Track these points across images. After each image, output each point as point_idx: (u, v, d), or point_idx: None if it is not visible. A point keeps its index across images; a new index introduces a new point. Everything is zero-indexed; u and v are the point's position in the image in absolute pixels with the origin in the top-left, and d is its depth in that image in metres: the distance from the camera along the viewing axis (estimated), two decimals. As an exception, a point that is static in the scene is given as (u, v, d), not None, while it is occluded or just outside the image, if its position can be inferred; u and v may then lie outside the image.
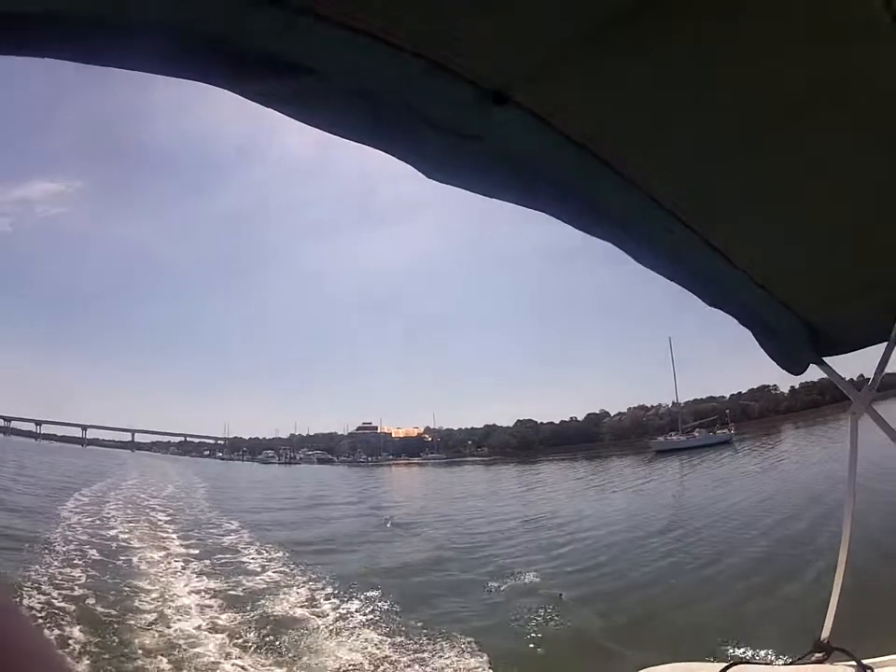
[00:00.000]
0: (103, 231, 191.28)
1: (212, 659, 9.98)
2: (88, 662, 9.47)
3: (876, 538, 14.46)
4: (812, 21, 1.33)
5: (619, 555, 19.66)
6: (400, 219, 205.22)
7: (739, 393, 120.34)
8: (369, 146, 1.47)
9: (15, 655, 0.47)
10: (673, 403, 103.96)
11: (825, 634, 3.33)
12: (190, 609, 12.63)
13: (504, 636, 12.03)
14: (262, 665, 9.92)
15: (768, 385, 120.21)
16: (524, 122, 1.54)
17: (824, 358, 3.35)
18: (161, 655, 9.87)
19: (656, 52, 1.39)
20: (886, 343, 3.06)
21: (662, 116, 1.62)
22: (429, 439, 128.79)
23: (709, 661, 3.82)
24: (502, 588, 15.86)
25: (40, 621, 10.78)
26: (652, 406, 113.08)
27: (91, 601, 12.42)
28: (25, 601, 11.81)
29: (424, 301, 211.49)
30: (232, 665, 9.88)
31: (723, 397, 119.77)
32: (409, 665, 10.09)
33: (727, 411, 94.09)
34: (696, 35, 1.34)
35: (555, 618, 12.98)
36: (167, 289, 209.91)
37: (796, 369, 3.28)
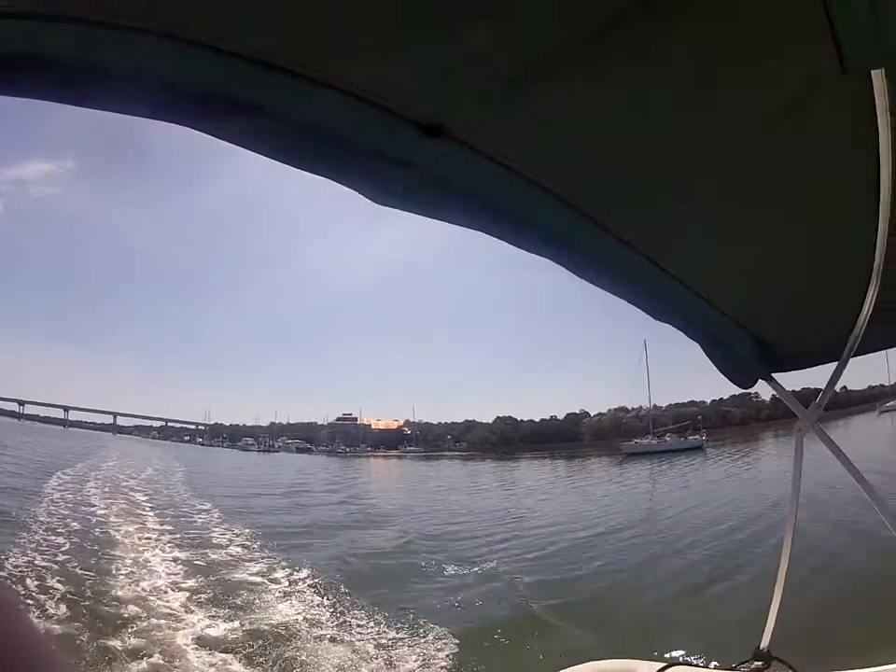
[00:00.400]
0: (95, 214, 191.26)
1: (174, 611, 11.48)
2: (65, 607, 10.90)
3: (827, 551, 15.32)
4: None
5: (564, 550, 20.75)
6: (394, 217, 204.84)
7: (721, 399, 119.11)
8: (316, 174, 1.55)
9: (12, 648, 0.48)
10: (654, 406, 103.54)
11: (765, 643, 3.36)
12: (160, 574, 14.08)
13: (457, 612, 13.34)
14: (216, 617, 11.44)
15: (749, 393, 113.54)
16: (459, 153, 1.59)
17: (774, 374, 3.36)
18: (132, 605, 11.39)
19: (591, 84, 1.43)
20: (836, 363, 3.08)
21: (596, 144, 1.66)
22: (408, 432, 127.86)
23: (647, 660, 3.85)
24: (462, 573, 17.15)
25: (26, 577, 12.27)
26: (633, 408, 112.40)
27: (72, 563, 13.83)
28: (12, 560, 13.29)
29: (412, 297, 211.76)
30: (192, 615, 11.42)
31: (704, 402, 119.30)
32: (370, 637, 11.28)
33: (699, 417, 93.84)
34: (632, 68, 1.38)
35: (504, 600, 14.31)
36: (156, 275, 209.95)
37: (745, 383, 3.27)
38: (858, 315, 2.70)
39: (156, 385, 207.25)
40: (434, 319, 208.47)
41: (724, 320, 2.85)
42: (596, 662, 3.54)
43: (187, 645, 10.09)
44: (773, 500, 24.60)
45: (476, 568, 17.58)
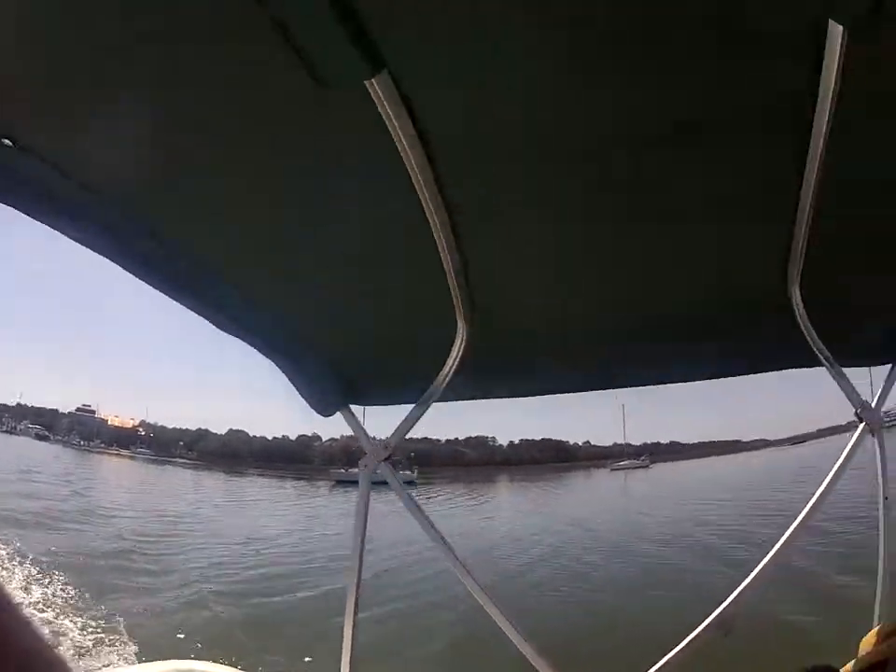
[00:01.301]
0: None
1: None
2: None
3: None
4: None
5: (220, 555, 24.40)
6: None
7: (456, 439, 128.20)
8: None
9: (13, 652, 0.47)
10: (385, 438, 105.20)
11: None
12: None
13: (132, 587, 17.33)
14: None
15: (487, 437, 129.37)
16: (39, 169, 1.60)
17: (354, 406, 3.09)
18: None
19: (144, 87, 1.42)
20: (414, 406, 2.85)
21: (163, 158, 1.66)
22: (143, 433, 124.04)
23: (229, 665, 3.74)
24: (149, 560, 21.27)
25: None
26: None
27: None
28: None
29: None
30: None
31: (440, 440, 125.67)
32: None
33: (412, 454, 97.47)
34: (159, 91, 1.42)
35: (179, 587, 17.96)
36: None
37: (324, 411, 3.04)
38: (444, 362, 2.62)
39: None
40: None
41: (300, 344, 2.77)
42: (178, 661, 3.46)
43: None
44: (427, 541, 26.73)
45: (161, 557, 22.18)
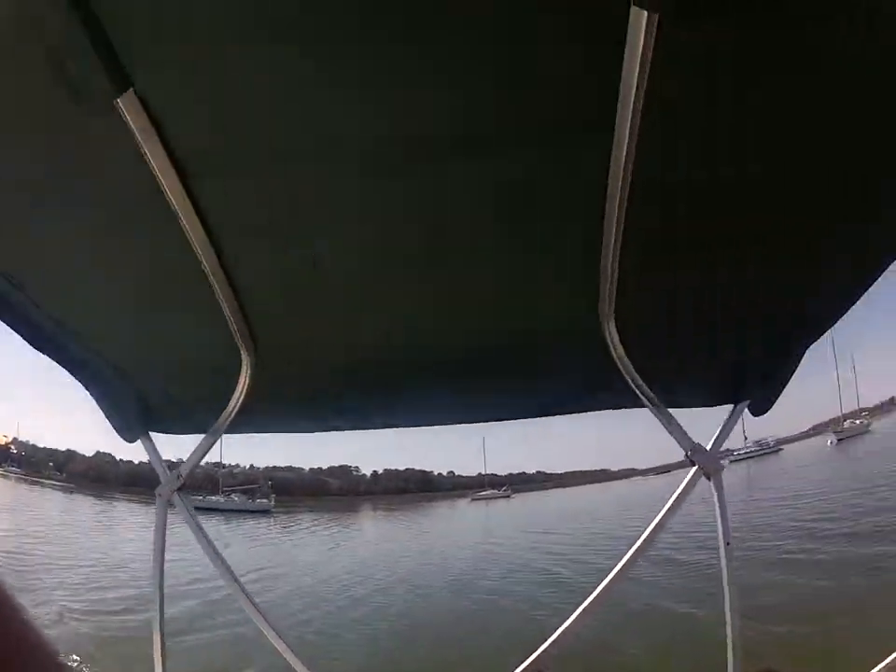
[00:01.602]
0: None
1: None
2: None
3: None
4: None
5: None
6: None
7: (320, 468, 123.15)
8: None
9: (14, 651, 0.47)
10: (251, 466, 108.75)
11: None
12: None
13: None
14: None
15: (351, 466, 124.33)
16: None
17: (155, 433, 2.93)
18: None
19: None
20: (203, 436, 2.76)
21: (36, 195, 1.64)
22: (15, 451, 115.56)
23: None
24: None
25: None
26: (229, 465, 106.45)
27: None
28: None
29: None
30: None
31: (304, 469, 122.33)
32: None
33: (270, 483, 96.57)
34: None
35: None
36: None
37: (126, 436, 2.91)
38: (232, 392, 2.51)
39: None
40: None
41: (105, 368, 2.62)
42: None
43: None
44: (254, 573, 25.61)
45: (24, 575, 22.12)
